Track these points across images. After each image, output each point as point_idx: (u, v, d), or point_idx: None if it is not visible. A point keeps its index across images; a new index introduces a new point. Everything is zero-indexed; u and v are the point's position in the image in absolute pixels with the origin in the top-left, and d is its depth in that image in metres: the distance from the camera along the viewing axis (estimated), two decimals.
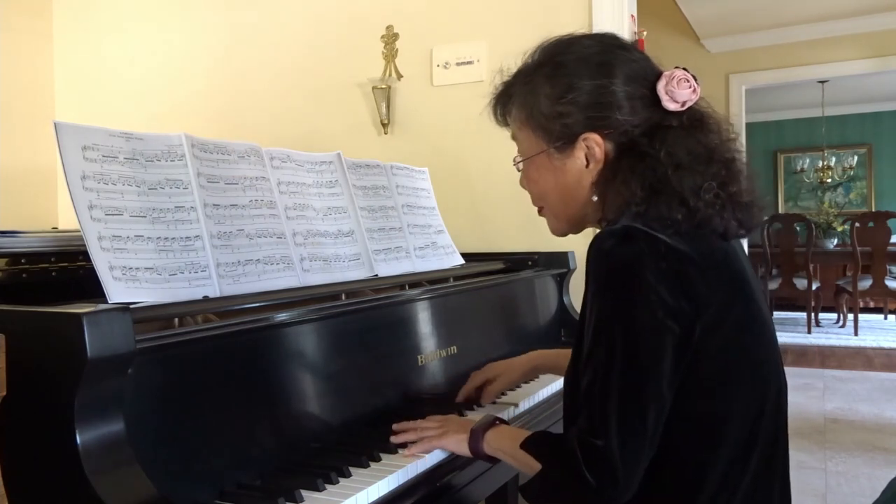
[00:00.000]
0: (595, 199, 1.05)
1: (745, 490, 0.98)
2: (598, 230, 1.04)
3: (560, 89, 1.04)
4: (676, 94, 1.00)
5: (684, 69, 1.02)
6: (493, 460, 1.15)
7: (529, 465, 1.04)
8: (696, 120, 1.02)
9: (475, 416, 1.39)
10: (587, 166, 1.05)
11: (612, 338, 0.93)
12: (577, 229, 1.15)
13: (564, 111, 1.03)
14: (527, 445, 1.06)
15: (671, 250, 0.93)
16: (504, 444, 1.11)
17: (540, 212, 1.17)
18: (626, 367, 0.92)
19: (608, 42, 1.07)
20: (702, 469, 0.97)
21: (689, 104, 1.02)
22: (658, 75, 1.03)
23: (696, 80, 1.02)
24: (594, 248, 0.97)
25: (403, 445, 1.19)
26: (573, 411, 1.04)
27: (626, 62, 1.03)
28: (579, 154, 1.04)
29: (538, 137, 1.08)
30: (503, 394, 1.53)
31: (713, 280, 0.96)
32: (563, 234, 1.17)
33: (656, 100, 1.02)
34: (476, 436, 1.14)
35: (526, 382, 1.60)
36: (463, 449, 1.15)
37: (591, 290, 0.98)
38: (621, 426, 0.91)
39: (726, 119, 1.07)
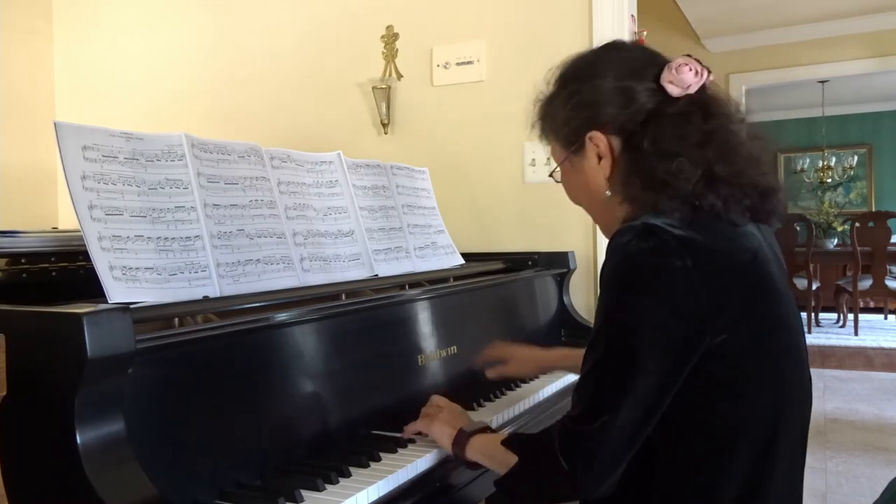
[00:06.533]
0: (609, 194, 1.08)
1: (765, 497, 0.97)
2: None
3: (565, 97, 1.10)
4: (679, 79, 1.01)
5: (688, 55, 1.04)
6: (474, 466, 1.15)
7: (508, 463, 1.04)
8: (697, 104, 1.02)
9: (483, 412, 1.40)
10: (599, 163, 1.08)
11: (615, 331, 0.94)
12: (617, 227, 1.16)
13: (570, 115, 1.08)
14: (508, 440, 1.08)
15: (690, 247, 0.93)
16: (486, 447, 1.13)
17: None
18: (622, 361, 0.92)
19: (604, 46, 1.12)
20: (716, 477, 0.96)
21: (694, 87, 1.02)
22: (662, 65, 1.04)
23: (700, 63, 1.02)
24: (611, 243, 0.98)
25: (403, 446, 1.20)
26: None
27: (616, 60, 1.07)
28: (590, 153, 1.08)
29: (560, 147, 1.13)
30: (505, 392, 1.54)
31: (734, 279, 0.95)
32: (611, 236, 1.18)
33: (662, 90, 1.03)
34: (461, 437, 1.15)
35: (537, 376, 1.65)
36: (445, 442, 1.17)
37: (604, 279, 0.98)
38: (611, 416, 0.91)
39: (737, 104, 1.07)
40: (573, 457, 0.94)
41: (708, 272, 0.93)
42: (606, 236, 1.16)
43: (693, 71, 1.01)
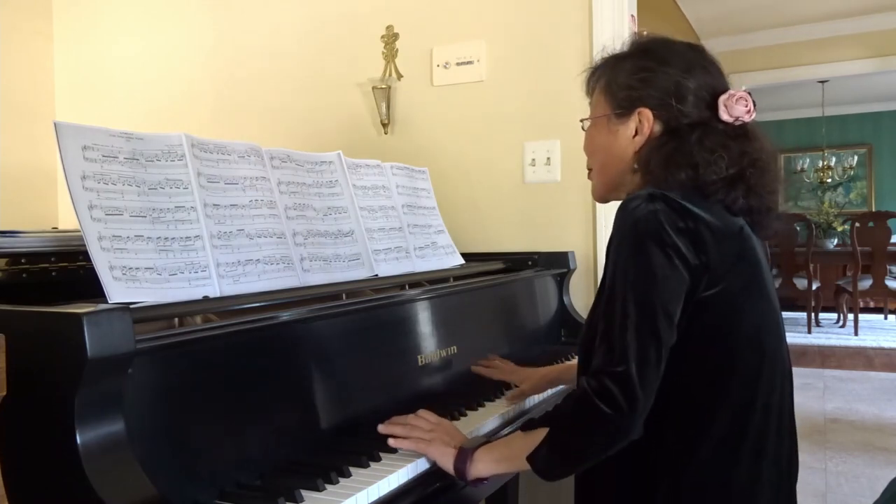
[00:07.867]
0: (635, 166, 1.19)
1: (744, 456, 1.07)
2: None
3: (639, 68, 1.20)
4: (732, 108, 1.15)
5: (748, 92, 1.17)
6: (476, 482, 1.15)
7: (535, 443, 1.07)
8: (741, 132, 1.16)
9: (483, 412, 1.40)
10: (634, 137, 1.19)
11: (632, 278, 1.04)
12: (614, 195, 1.28)
13: (634, 85, 1.19)
14: (528, 423, 1.11)
15: (690, 213, 1.06)
16: (494, 453, 1.13)
17: (589, 175, 1.32)
18: (642, 301, 1.02)
19: (697, 50, 1.23)
20: (704, 426, 1.07)
21: (740, 121, 1.16)
22: (725, 89, 1.18)
23: (754, 104, 1.16)
24: (620, 208, 1.09)
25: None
26: (588, 366, 1.09)
27: (704, 70, 1.19)
28: (631, 125, 1.19)
29: (606, 102, 1.23)
30: (505, 392, 1.53)
31: (724, 247, 1.08)
32: (602, 199, 1.32)
33: (714, 106, 1.16)
34: (464, 456, 1.14)
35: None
36: (447, 463, 1.15)
37: (615, 243, 1.08)
38: (639, 353, 1.01)
39: (770, 142, 1.20)
40: (613, 397, 1.00)
41: (707, 233, 1.06)
42: (596, 196, 1.32)
43: (747, 108, 1.15)
